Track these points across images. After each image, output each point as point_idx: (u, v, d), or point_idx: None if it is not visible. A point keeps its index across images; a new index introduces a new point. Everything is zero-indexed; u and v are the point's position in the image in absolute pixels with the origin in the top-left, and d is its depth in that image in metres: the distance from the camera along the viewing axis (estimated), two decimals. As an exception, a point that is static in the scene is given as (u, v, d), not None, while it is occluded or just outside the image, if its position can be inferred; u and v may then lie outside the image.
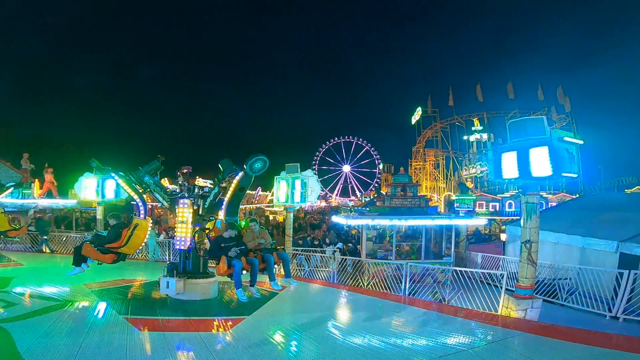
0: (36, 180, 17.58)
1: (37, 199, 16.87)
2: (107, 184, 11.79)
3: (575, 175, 5.99)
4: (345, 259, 12.28)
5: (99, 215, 12.37)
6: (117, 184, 11.58)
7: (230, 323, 5.49)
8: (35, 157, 19.58)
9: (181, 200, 6.88)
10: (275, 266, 6.70)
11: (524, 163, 6.09)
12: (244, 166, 6.65)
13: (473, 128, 44.53)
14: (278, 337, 5.05)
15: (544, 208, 23.42)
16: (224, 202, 6.92)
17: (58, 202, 17.23)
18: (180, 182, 7.43)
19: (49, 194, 17.75)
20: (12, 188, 13.43)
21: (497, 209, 25.94)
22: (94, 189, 11.95)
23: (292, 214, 11.98)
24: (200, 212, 6.99)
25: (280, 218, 29.13)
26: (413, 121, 49.63)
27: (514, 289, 6.89)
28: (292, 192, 11.00)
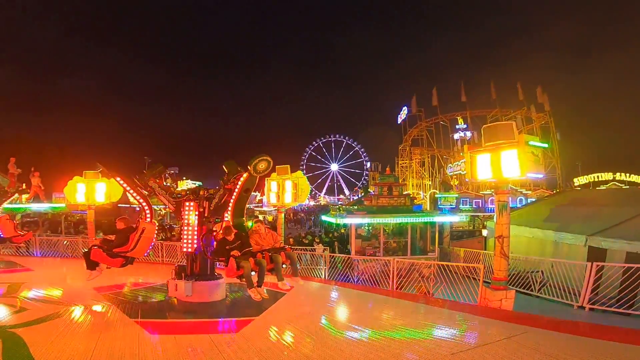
0: (23, 184, 17.41)
1: (25, 203, 16.75)
2: (97, 187, 11.84)
3: (541, 176, 6.54)
4: (335, 256, 12.71)
5: (90, 218, 12.38)
6: (107, 188, 11.78)
7: (239, 324, 5.47)
8: (18, 161, 19.31)
9: (186, 203, 6.81)
10: (283, 266, 6.59)
11: (496, 165, 6.62)
12: (248, 167, 6.58)
13: (457, 126, 45.70)
14: (288, 338, 5.01)
15: (523, 203, 24.44)
16: (230, 204, 6.85)
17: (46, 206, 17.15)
18: (168, 184, 7.48)
19: (36, 198, 17.62)
20: (15, 194, 13.44)
21: (480, 205, 26.87)
22: (83, 193, 11.99)
23: (283, 214, 12.33)
24: (205, 215, 6.93)
25: (269, 217, 29.41)
26: (399, 120, 50.45)
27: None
28: (283, 193, 11.38)
